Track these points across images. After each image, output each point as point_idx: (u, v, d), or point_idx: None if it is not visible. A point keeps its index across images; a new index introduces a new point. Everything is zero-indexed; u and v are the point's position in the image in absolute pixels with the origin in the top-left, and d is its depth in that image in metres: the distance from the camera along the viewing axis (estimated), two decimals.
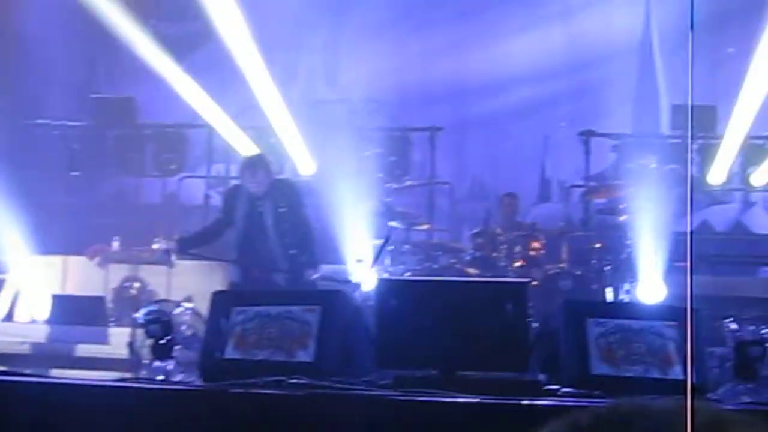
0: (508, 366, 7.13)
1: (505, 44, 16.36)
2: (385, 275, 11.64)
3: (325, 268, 10.72)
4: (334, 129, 14.01)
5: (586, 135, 13.85)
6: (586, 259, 12.95)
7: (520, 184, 15.18)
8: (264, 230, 10.06)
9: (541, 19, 16.72)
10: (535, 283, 12.31)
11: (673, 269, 12.15)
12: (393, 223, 12.99)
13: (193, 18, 15.18)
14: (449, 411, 6.20)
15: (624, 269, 12.18)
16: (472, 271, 12.46)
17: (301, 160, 14.52)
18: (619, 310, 8.22)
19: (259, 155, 11.19)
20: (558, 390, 6.61)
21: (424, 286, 8.26)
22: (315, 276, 10.11)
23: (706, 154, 14.06)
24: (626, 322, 6.86)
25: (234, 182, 11.79)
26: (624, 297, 12.05)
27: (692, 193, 14.28)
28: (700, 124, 14.16)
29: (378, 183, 13.25)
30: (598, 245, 13.06)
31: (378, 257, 10.27)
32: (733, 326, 7.62)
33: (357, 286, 9.99)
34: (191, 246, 10.74)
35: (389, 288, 7.77)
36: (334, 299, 7.63)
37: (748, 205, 15.37)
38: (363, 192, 12.21)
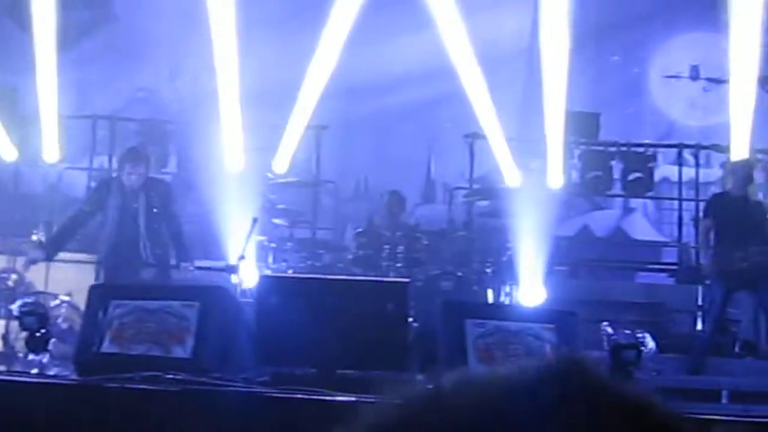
0: (387, 365, 7.15)
1: (393, 44, 16.40)
2: (268, 272, 11.60)
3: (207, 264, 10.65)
4: (219, 124, 13.89)
5: (471, 137, 13.95)
6: (467, 260, 13.06)
7: (405, 184, 15.21)
8: (136, 225, 9.98)
9: (431, 21, 16.77)
10: (417, 283, 12.39)
11: (553, 272, 12.32)
12: (277, 221, 12.95)
13: (84, 6, 14.94)
14: (326, 409, 6.19)
15: (505, 271, 12.30)
16: (355, 270, 12.47)
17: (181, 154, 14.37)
18: (498, 311, 8.30)
19: (140, 148, 11.07)
20: None
21: (304, 284, 8.24)
22: (190, 268, 10.05)
23: (588, 160, 14.23)
24: (504, 323, 6.93)
25: (109, 174, 11.63)
26: (504, 299, 12.17)
27: (573, 199, 14.51)
28: (583, 129, 14.35)
29: (263, 179, 13.18)
30: (480, 247, 13.18)
31: (247, 242, 10.20)
32: (609, 330, 7.74)
33: (235, 268, 9.90)
34: (58, 247, 10.49)
35: (270, 285, 7.75)
36: (213, 295, 7.58)
37: (628, 211, 15.64)
38: (247, 188, 12.14)
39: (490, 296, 12.42)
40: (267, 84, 15.26)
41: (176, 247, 10.15)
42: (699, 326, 11.77)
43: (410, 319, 7.96)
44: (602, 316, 9.95)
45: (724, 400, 10.12)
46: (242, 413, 6.32)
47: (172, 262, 10.14)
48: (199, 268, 10.22)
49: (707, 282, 11.33)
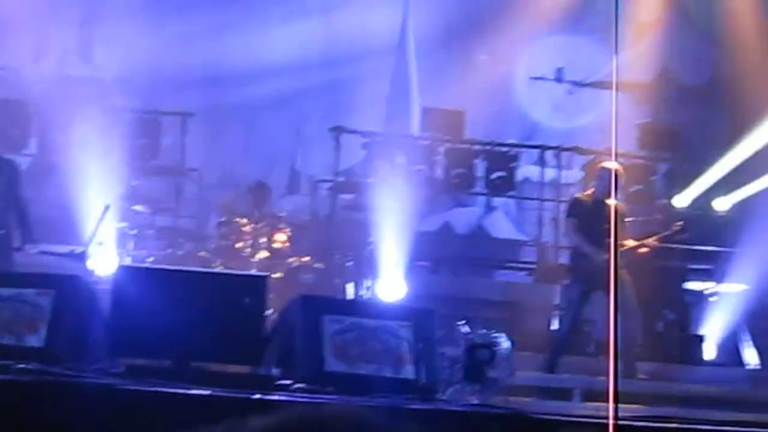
0: (243, 359, 7.13)
1: (263, 34, 16.29)
2: (128, 260, 11.46)
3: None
4: (84, 107, 13.66)
5: (337, 131, 13.97)
6: (329, 253, 13.07)
7: (270, 174, 15.17)
8: None
9: (302, 12, 16.75)
10: (277, 275, 12.36)
11: (414, 268, 12.41)
12: (138, 207, 12.79)
13: None
14: (179, 402, 6.14)
15: (366, 265, 12.35)
16: (216, 259, 12.39)
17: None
18: (356, 308, 8.30)
19: None
20: (290, 385, 6.63)
21: (162, 275, 8.14)
22: (33, 251, 9.89)
23: (453, 157, 14.35)
24: (362, 320, 6.95)
25: None
26: (365, 293, 12.22)
27: (436, 195, 14.62)
28: (449, 127, 14.47)
29: (125, 165, 13.00)
30: (342, 241, 13.21)
31: (97, 229, 10.05)
32: (466, 329, 7.82)
33: (82, 255, 9.76)
34: None
35: (127, 275, 7.65)
36: (68, 284, 7.45)
37: (489, 209, 15.81)
38: (109, 174, 11.97)
39: (351, 290, 12.47)
40: (133, 69, 15.07)
41: (21, 229, 9.98)
42: (555, 325, 11.96)
43: (268, 313, 7.94)
44: (461, 312, 10.05)
45: (576, 399, 10.31)
46: (95, 404, 6.22)
47: (16, 244, 9.96)
48: (44, 252, 10.06)
49: (565, 282, 11.53)
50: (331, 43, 16.23)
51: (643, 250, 11.65)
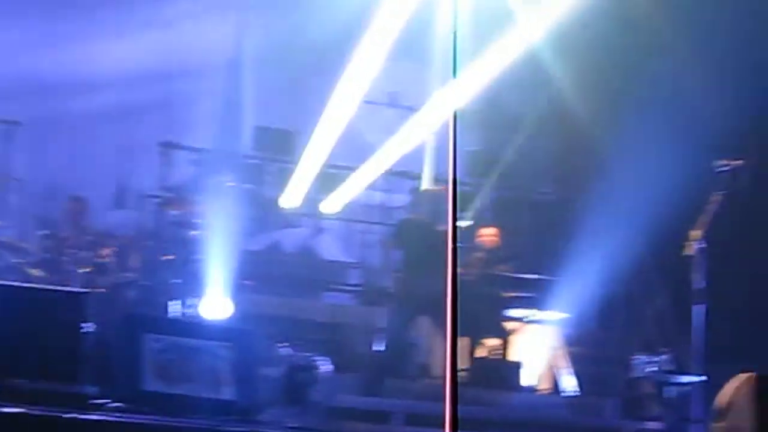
0: (58, 376, 6.96)
1: (94, 45, 16.01)
2: None
3: None
4: None
5: (167, 146, 13.80)
6: (155, 270, 12.88)
7: (97, 188, 14.87)
8: None
9: (138, 25, 16.52)
10: (101, 290, 12.13)
11: (240, 287, 12.32)
12: None
13: None
14: None
15: (192, 284, 12.21)
16: (37, 273, 12.09)
17: None
18: (178, 327, 8.21)
19: None
20: (106, 404, 6.51)
21: None
22: None
23: (282, 177, 14.35)
24: (183, 340, 6.88)
25: None
26: (190, 311, 12.06)
27: (265, 214, 14.57)
28: (280, 147, 14.46)
29: None
30: (168, 257, 13.03)
31: None
32: (287, 351, 7.81)
33: None
34: None
35: None
36: None
37: (317, 230, 15.82)
38: None
39: (176, 307, 12.30)
40: None
41: None
42: (379, 348, 12.00)
43: (88, 329, 7.77)
44: (287, 333, 10.03)
45: (399, 423, 10.37)
46: None
47: None
48: None
49: (390, 305, 11.60)
50: (165, 58, 16.03)
51: (473, 272, 11.85)
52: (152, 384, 6.67)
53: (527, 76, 15.90)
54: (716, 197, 8.15)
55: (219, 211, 12.25)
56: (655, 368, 11.38)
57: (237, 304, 11.72)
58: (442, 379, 11.19)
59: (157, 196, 14.01)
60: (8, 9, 16.04)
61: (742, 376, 6.39)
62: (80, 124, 16.17)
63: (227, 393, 6.73)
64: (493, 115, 17.61)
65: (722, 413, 6.49)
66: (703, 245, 8.05)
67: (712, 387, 8.41)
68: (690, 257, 8.14)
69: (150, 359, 6.70)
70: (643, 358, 11.57)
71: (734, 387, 6.47)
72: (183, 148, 14.06)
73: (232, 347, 6.79)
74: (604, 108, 14.47)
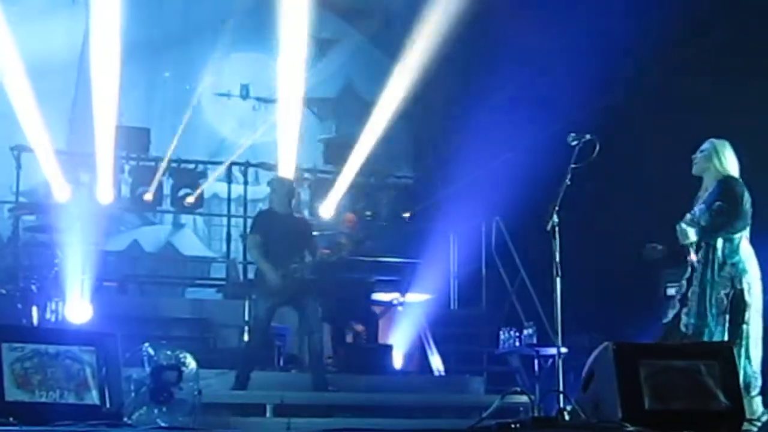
0: None
1: None
2: None
3: None
4: None
5: (18, 150, 13.52)
6: (12, 277, 12.62)
7: None
8: None
9: None
10: None
11: (101, 288, 12.16)
12: None
13: None
14: None
15: (51, 288, 12.00)
16: None
17: None
18: (36, 334, 8.05)
19: None
20: None
21: None
22: None
23: (139, 175, 14.18)
24: (43, 346, 6.74)
25: None
26: (50, 316, 11.86)
27: (124, 214, 14.40)
28: (134, 144, 14.29)
29: None
30: (25, 263, 12.79)
31: None
32: (151, 351, 7.74)
33: None
34: None
35: None
36: None
37: (178, 226, 15.70)
38: None
39: (36, 314, 12.07)
40: None
41: None
42: (245, 340, 11.96)
43: None
44: (151, 332, 9.94)
45: (268, 414, 10.36)
46: None
47: None
48: None
49: (253, 297, 11.55)
50: (10, 59, 15.69)
51: (337, 257, 11.89)
52: (14, 394, 6.52)
53: (378, 61, 16.04)
54: (569, 172, 8.30)
55: (75, 213, 12.04)
56: (520, 342, 11.56)
57: (98, 306, 11.56)
58: (309, 368, 11.25)
59: (10, 202, 13.74)
60: None
61: (602, 346, 6.55)
62: None
63: (92, 397, 6.62)
64: (348, 101, 17.71)
65: (586, 382, 6.65)
66: (557, 220, 8.19)
67: (575, 358, 8.61)
68: (549, 232, 8.28)
69: (10, 369, 6.55)
70: (508, 333, 11.73)
71: (594, 357, 6.62)
72: (34, 150, 13.77)
73: (94, 351, 6.67)
74: (458, 89, 14.64)
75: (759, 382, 7.70)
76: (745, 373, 7.58)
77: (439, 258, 13.59)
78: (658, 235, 8.41)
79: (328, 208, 14.63)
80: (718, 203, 7.90)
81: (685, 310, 7.94)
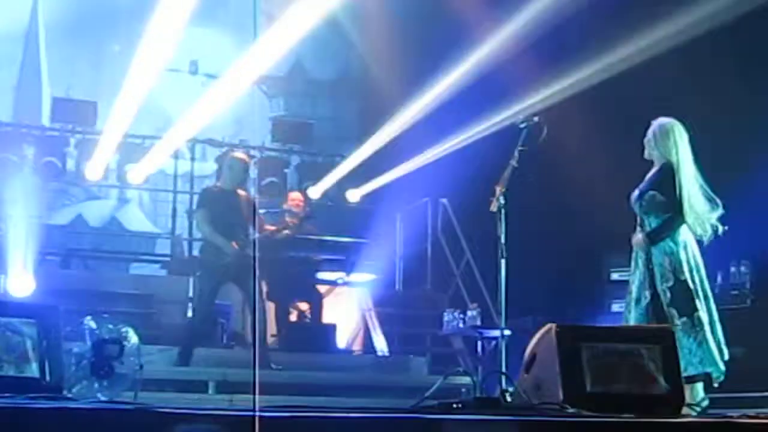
0: None
1: None
2: None
3: None
4: None
5: None
6: None
7: None
8: None
9: None
10: None
11: (44, 262, 12.07)
12: None
13: None
14: None
15: None
16: None
17: None
18: None
19: None
20: None
21: None
22: None
23: (85, 149, 14.05)
24: None
25: None
26: None
27: (68, 187, 14.29)
28: (81, 118, 14.16)
29: None
30: None
31: None
32: (93, 324, 7.69)
33: None
34: None
35: None
36: None
37: (123, 201, 15.60)
38: None
39: None
40: None
41: None
42: (188, 317, 11.93)
43: None
44: (94, 307, 9.87)
45: (210, 391, 10.35)
46: None
47: None
48: None
49: (198, 273, 11.52)
50: None
51: (281, 235, 11.85)
52: None
53: (329, 40, 16.00)
54: (516, 153, 8.33)
55: (19, 186, 11.93)
56: (463, 324, 11.60)
57: (40, 279, 11.48)
58: (251, 345, 11.23)
59: None
60: None
61: (545, 328, 6.57)
62: None
63: (32, 370, 6.57)
64: (297, 80, 17.67)
65: (528, 364, 6.67)
66: (503, 201, 8.22)
67: (518, 341, 8.64)
68: (494, 213, 8.31)
69: None
70: (452, 314, 11.77)
71: (537, 339, 6.64)
72: None
73: (35, 324, 6.62)
74: (405, 69, 14.63)
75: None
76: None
77: (385, 238, 13.60)
78: (603, 217, 8.46)
79: (314, 190, 14.66)
80: (651, 192, 7.86)
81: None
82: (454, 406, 6.01)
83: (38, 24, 16.67)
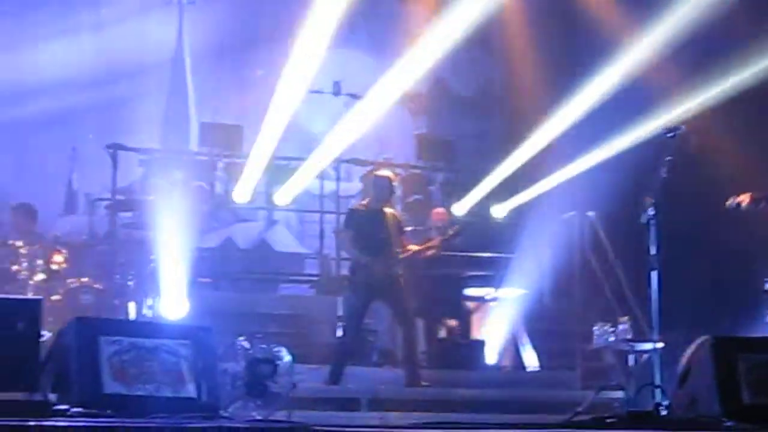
0: (17, 386, 6.89)
1: (32, 51, 15.89)
2: None
3: None
4: None
5: (114, 148, 13.67)
6: (109, 273, 12.83)
7: (45, 195, 14.76)
8: None
9: (73, 29, 16.39)
10: (56, 297, 12.08)
11: (196, 285, 12.28)
12: None
13: None
14: None
15: (147, 284, 12.18)
16: None
17: None
18: (134, 328, 8.17)
19: None
20: (68, 410, 6.46)
21: None
22: None
23: (232, 172, 14.31)
24: (140, 340, 6.83)
25: None
26: (147, 312, 12.04)
27: (217, 210, 14.52)
28: (228, 142, 14.42)
29: None
30: (122, 259, 12.99)
31: None
32: (246, 344, 7.81)
33: None
34: None
35: None
36: None
37: (271, 223, 15.79)
38: None
39: (132, 309, 12.26)
40: None
41: None
42: (338, 336, 12.01)
43: (44, 336, 7.71)
44: (245, 328, 9.99)
45: (362, 409, 10.40)
46: None
47: None
48: None
49: (346, 293, 11.61)
50: (105, 60, 15.91)
51: (429, 253, 11.86)
52: (112, 386, 6.62)
53: (470, 56, 16.00)
54: (664, 163, 8.20)
55: (170, 210, 12.17)
56: (614, 338, 11.45)
57: (193, 302, 11.69)
58: (402, 363, 11.27)
59: (107, 199, 13.93)
60: None
61: (700, 340, 6.45)
62: (23, 131, 16.04)
63: (189, 390, 6.70)
64: (440, 97, 17.69)
65: (683, 377, 6.56)
66: (653, 212, 8.10)
67: (671, 353, 8.49)
68: (644, 225, 8.19)
69: (107, 362, 6.65)
70: (602, 328, 11.64)
71: (692, 352, 6.53)
72: (130, 149, 13.94)
73: (190, 344, 6.75)
74: (547, 82, 14.56)
75: None
76: None
77: (532, 253, 13.51)
78: (757, 226, 8.27)
79: (459, 207, 14.67)
80: None
81: None
82: (608, 420, 5.94)
83: (183, 52, 17.00)
